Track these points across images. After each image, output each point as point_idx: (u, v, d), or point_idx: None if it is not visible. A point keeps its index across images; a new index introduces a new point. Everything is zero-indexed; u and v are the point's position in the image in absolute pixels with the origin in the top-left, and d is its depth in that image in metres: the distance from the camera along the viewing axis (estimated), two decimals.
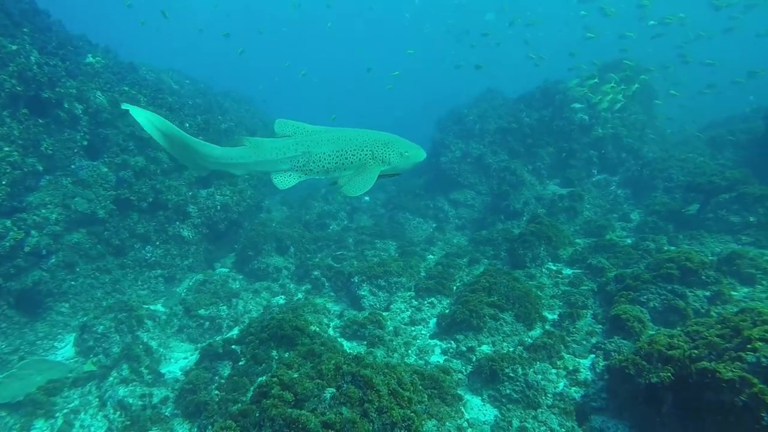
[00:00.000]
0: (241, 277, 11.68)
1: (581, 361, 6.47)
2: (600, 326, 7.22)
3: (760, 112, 16.91)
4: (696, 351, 4.49)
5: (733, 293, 7.37)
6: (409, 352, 7.20)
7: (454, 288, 9.14)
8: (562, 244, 10.52)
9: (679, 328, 5.77)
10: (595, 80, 16.43)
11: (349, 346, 7.52)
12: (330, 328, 8.29)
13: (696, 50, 21.47)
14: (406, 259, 10.39)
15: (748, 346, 4.19)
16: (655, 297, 7.25)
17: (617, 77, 16.47)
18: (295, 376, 4.74)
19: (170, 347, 8.91)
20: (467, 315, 7.24)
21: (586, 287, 8.52)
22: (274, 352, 6.46)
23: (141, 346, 8.30)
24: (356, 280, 9.32)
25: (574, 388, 5.98)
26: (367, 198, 19.39)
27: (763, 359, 3.98)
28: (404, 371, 4.91)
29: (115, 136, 11.17)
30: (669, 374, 4.44)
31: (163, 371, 8.03)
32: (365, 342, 7.44)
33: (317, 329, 7.44)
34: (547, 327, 7.44)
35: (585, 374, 6.16)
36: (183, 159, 5.58)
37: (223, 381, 6.71)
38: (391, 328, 7.84)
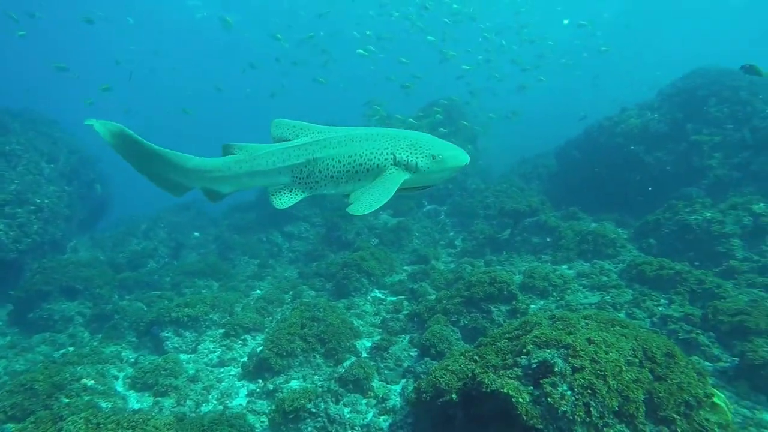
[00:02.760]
0: (15, 330, 9.49)
1: (392, 387, 6.21)
2: (415, 350, 7.11)
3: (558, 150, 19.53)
4: (479, 365, 4.44)
5: (531, 306, 7.90)
6: (209, 397, 6.27)
7: (272, 323, 8.44)
8: (389, 272, 10.53)
9: (472, 345, 5.83)
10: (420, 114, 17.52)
11: (136, 399, 6.32)
12: (119, 381, 6.95)
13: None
14: (221, 296, 9.41)
15: (524, 350, 4.24)
16: (465, 316, 7.42)
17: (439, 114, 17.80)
18: None
19: None
20: (275, 351, 6.59)
21: (405, 312, 8.47)
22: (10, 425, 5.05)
23: None
24: (160, 321, 8.09)
25: (382, 417, 5.65)
26: (197, 234, 17.83)
27: (533, 362, 4.02)
28: (164, 425, 4.05)
29: None
30: (455, 393, 4.29)
31: None
32: (152, 393, 6.31)
33: (93, 384, 6.12)
34: (363, 356, 7.11)
35: (394, 401, 5.88)
36: (154, 176, 4.35)
37: None
38: (192, 372, 6.81)
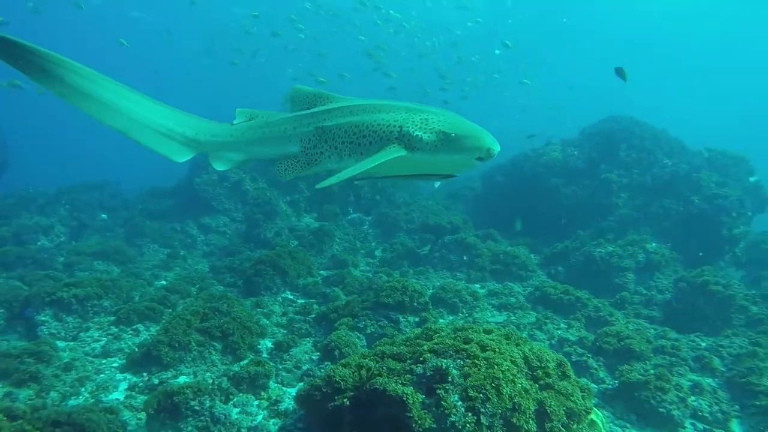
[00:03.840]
0: None
1: (288, 390, 5.96)
2: (318, 354, 6.91)
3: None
4: (376, 367, 4.34)
5: (441, 320, 7.97)
6: (81, 390, 5.67)
7: (171, 314, 7.88)
8: (303, 274, 10.26)
9: (371, 350, 5.75)
10: None
11: None
12: None
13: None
14: (120, 281, 8.68)
15: (420, 359, 4.20)
16: (373, 323, 7.33)
17: None
18: None
19: None
20: (168, 342, 6.12)
21: (313, 315, 8.25)
22: None
23: None
24: (37, 302, 7.29)
25: (273, 420, 5.39)
26: (104, 215, 16.53)
27: (428, 370, 3.98)
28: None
29: None
30: (347, 398, 4.15)
31: None
32: (9, 382, 5.61)
33: None
34: (263, 356, 6.79)
35: (288, 404, 5.63)
36: (149, 134, 3.79)
37: None
38: (66, 360, 6.16)
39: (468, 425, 3.72)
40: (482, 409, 3.79)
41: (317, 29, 26.57)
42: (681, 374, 6.62)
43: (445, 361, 4.10)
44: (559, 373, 4.87)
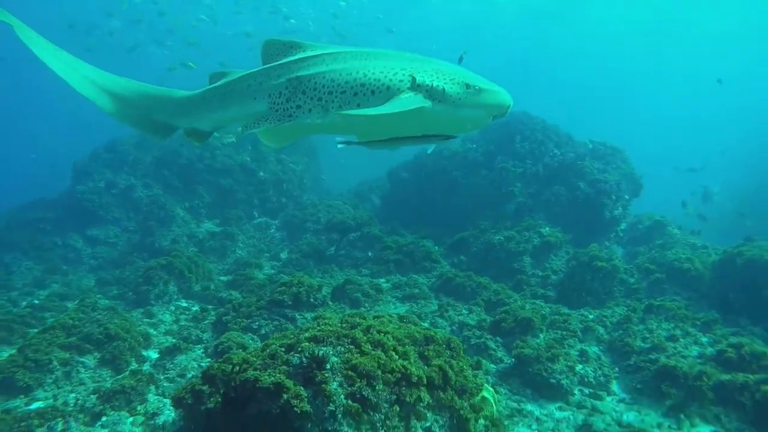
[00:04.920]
0: None
1: (168, 401, 5.42)
2: (208, 360, 6.40)
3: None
4: (257, 360, 4.01)
5: (340, 315, 7.76)
6: None
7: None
8: (201, 280, 9.62)
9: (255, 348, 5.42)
10: None
11: None
12: None
13: None
14: None
15: (299, 347, 3.94)
16: (268, 323, 6.96)
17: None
18: None
19: None
20: (23, 363, 5.35)
21: (208, 321, 7.70)
22: None
23: None
24: None
25: None
26: None
27: (305, 359, 3.73)
28: None
29: None
30: (218, 396, 3.80)
31: None
32: None
33: None
34: (145, 367, 6.17)
35: (167, 415, 5.12)
36: (135, 117, 3.76)
37: None
38: None
39: (350, 412, 3.52)
40: (366, 394, 3.61)
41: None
42: (571, 345, 6.91)
43: (324, 348, 3.87)
44: (450, 354, 4.84)
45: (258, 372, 3.59)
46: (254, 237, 14.27)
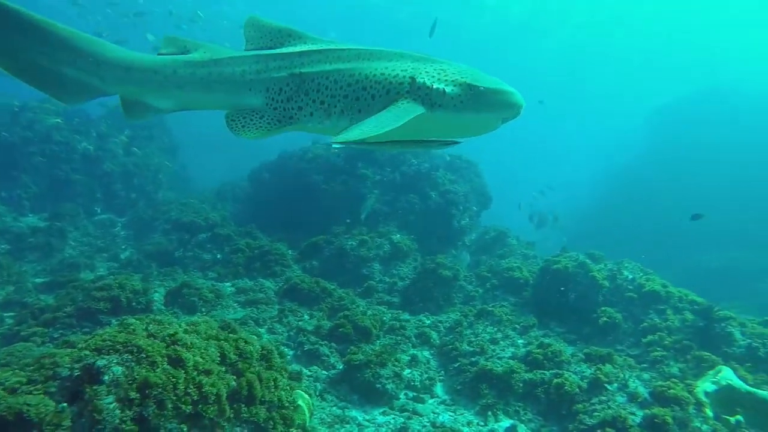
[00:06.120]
0: None
1: None
2: None
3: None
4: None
5: (174, 320, 7.16)
6: None
7: None
8: (3, 283, 8.29)
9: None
10: None
11: None
12: None
13: None
14: None
15: (77, 359, 3.46)
16: (77, 331, 6.17)
17: None
18: None
19: None
20: None
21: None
22: None
23: None
24: None
25: None
26: None
27: (75, 371, 3.29)
28: None
29: None
30: None
31: None
32: None
33: None
34: None
35: None
36: (38, 67, 2.74)
37: None
38: None
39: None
40: (147, 414, 3.27)
41: None
42: (404, 351, 7.15)
43: (105, 357, 3.45)
44: (265, 365, 4.67)
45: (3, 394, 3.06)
46: (91, 235, 12.78)
